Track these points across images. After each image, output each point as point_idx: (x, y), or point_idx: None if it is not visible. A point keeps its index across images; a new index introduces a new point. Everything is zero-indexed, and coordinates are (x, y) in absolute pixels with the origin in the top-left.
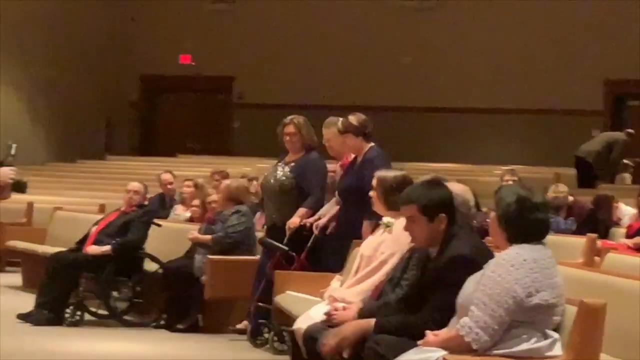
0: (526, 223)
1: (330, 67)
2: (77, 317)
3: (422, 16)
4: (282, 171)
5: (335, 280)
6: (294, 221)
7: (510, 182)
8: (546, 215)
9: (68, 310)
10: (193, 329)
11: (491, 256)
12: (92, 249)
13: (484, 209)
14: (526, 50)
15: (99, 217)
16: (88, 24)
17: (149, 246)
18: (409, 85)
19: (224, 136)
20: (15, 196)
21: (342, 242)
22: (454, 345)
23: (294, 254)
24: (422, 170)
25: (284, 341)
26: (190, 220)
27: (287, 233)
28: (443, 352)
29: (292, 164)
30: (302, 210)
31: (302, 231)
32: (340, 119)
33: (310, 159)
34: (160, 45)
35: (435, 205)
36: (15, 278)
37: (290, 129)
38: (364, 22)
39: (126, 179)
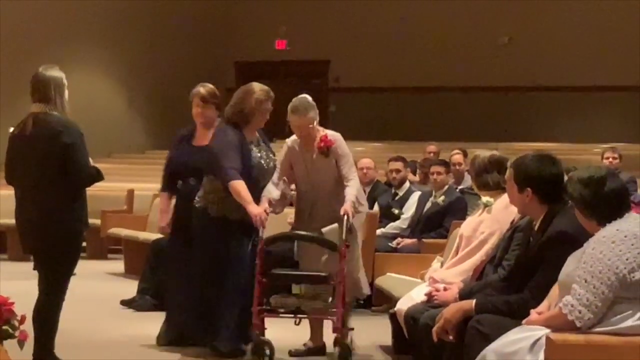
0: (604, 200)
1: (427, 49)
2: None
3: None
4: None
5: (436, 262)
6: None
7: (611, 160)
8: (617, 183)
9: None
10: None
11: (593, 234)
12: None
13: None
14: (625, 26)
15: None
16: (182, 12)
17: None
18: (506, 65)
19: (321, 120)
20: (116, 184)
21: None
22: (558, 324)
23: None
24: (520, 150)
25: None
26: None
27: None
28: (546, 331)
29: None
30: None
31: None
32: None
33: None
34: (255, 31)
35: (522, 178)
36: (117, 265)
37: None
38: (460, 2)
39: None
